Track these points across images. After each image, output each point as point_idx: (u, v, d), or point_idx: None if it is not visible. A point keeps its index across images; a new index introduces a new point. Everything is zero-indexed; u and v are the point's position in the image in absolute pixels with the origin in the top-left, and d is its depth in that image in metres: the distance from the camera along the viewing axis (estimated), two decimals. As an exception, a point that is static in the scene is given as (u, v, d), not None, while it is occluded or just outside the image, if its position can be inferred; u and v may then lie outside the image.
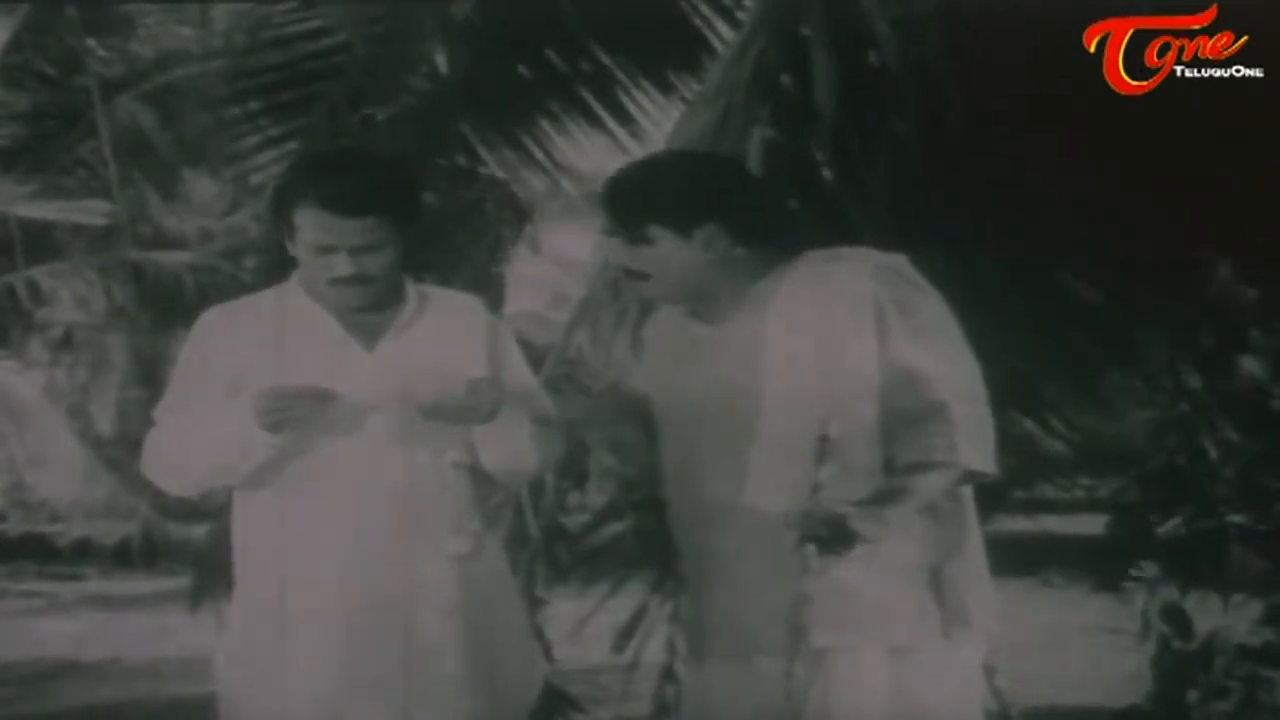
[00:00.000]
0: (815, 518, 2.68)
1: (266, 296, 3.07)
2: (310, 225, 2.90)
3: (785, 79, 4.58)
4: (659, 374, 3.03)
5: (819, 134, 4.43)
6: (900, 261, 2.90)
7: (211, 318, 3.06)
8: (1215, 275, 4.51)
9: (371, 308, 2.97)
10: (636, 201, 2.90)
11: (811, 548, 2.69)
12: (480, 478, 3.01)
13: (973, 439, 2.80)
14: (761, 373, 2.84)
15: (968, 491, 2.91)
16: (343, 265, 2.90)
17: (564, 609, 5.06)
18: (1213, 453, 4.63)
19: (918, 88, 4.35)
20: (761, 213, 2.94)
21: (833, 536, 2.68)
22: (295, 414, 2.84)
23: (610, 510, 5.05)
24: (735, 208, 2.89)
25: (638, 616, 4.91)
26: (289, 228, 2.94)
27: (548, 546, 4.96)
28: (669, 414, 2.98)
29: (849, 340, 2.81)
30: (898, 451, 2.80)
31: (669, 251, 2.87)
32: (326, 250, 2.90)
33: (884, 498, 2.75)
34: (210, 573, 5.54)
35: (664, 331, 3.06)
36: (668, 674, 4.85)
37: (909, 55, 4.36)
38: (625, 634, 4.84)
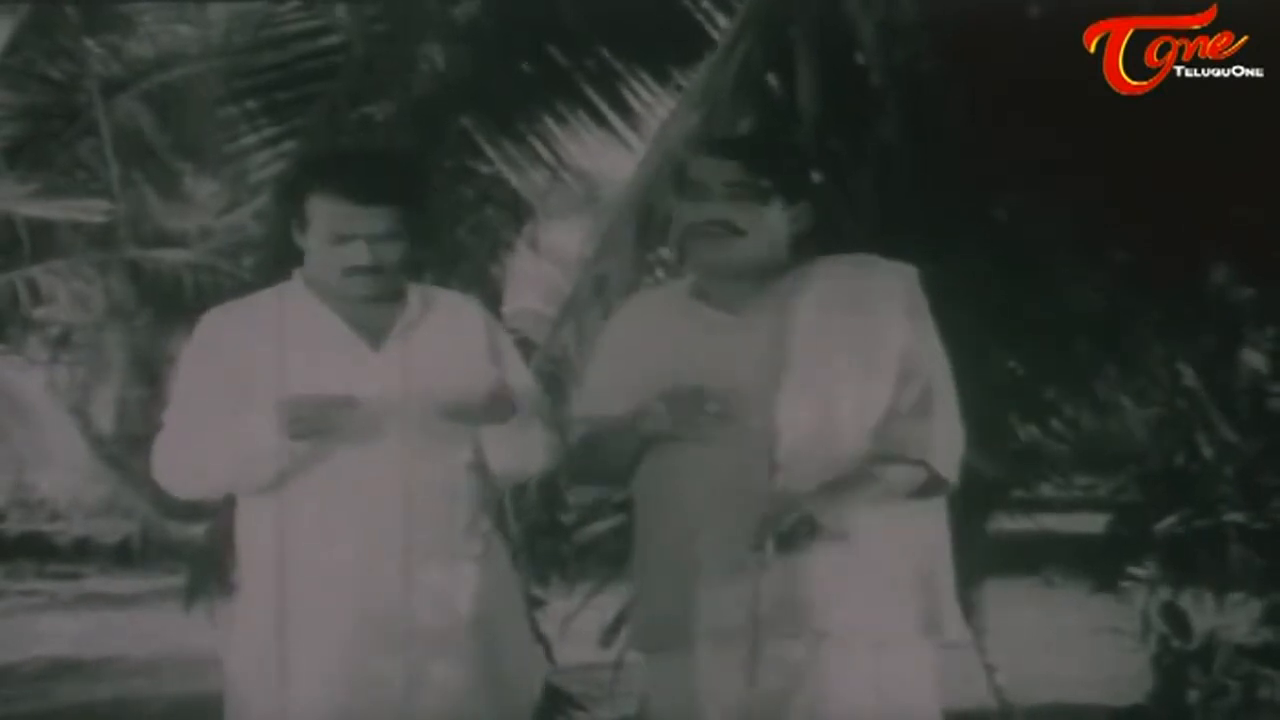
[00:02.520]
0: (777, 508, 2.72)
1: (267, 296, 3.06)
2: (327, 215, 2.91)
3: (771, 80, 4.58)
4: (655, 352, 2.97)
5: (804, 135, 4.42)
6: (915, 272, 2.96)
7: (212, 320, 3.05)
8: (1214, 275, 4.51)
9: (380, 299, 2.97)
10: (781, 156, 2.94)
11: (770, 541, 2.72)
12: (485, 477, 3.02)
13: (948, 445, 2.87)
14: (788, 362, 2.84)
15: (942, 502, 2.94)
16: (360, 254, 2.91)
17: (552, 606, 5.07)
18: (1207, 452, 4.64)
19: (904, 90, 4.35)
20: (826, 208, 2.99)
21: (795, 528, 2.72)
22: (324, 423, 2.84)
23: (595, 508, 5.06)
24: (821, 195, 2.95)
25: (624, 614, 4.90)
26: (300, 220, 2.95)
27: (530, 544, 4.96)
28: (655, 384, 2.92)
29: (880, 340, 2.86)
30: (874, 443, 2.84)
31: (773, 216, 2.88)
32: (343, 240, 2.91)
33: (846, 484, 2.79)
34: (205, 572, 5.53)
35: (664, 311, 3.02)
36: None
37: (895, 57, 4.36)
38: (611, 631, 4.84)
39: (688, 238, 2.92)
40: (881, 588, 2.83)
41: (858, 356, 2.85)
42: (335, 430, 2.86)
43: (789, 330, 2.86)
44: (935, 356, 2.90)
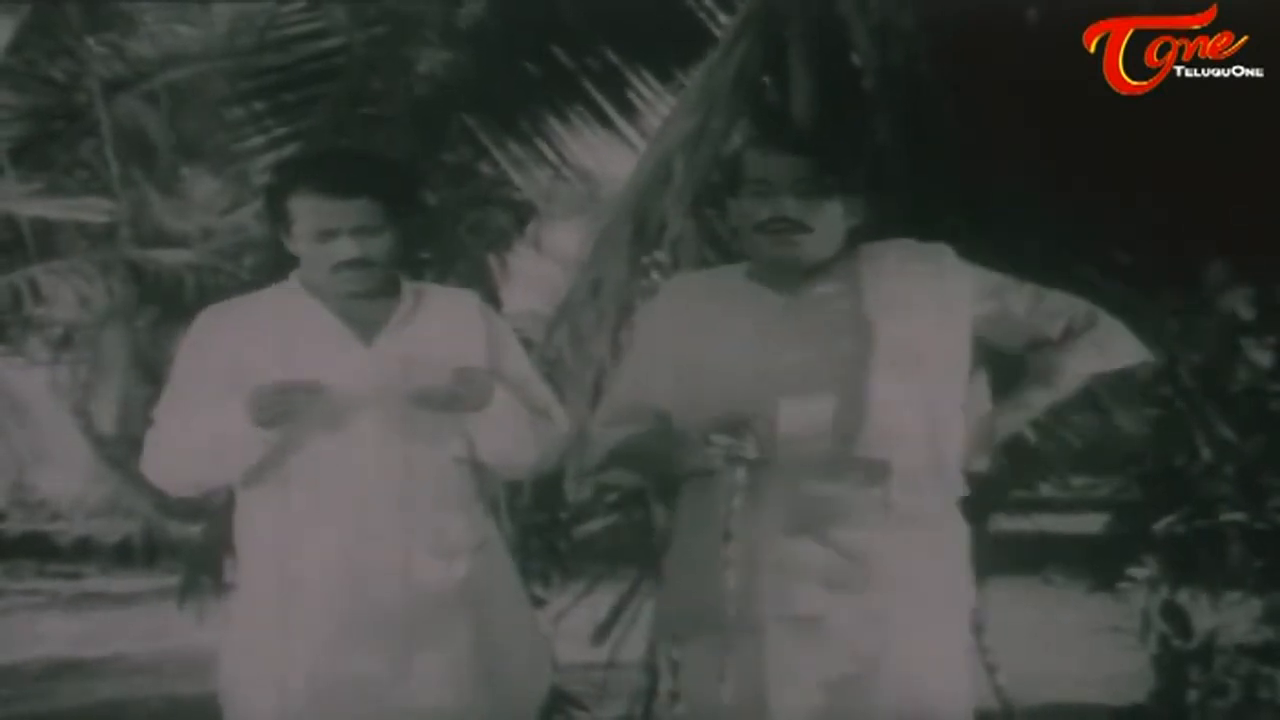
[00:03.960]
0: None
1: (265, 295, 3.09)
2: (308, 212, 2.93)
3: (767, 81, 4.59)
4: (709, 333, 2.96)
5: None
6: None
7: (209, 317, 3.07)
8: (1213, 275, 4.51)
9: (372, 294, 2.98)
10: (845, 152, 2.97)
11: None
12: (481, 471, 3.02)
13: (1116, 339, 3.00)
14: (874, 333, 2.85)
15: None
16: (346, 248, 2.92)
17: (551, 605, 5.06)
18: (1207, 452, 4.64)
19: (901, 90, 4.35)
20: (877, 204, 3.02)
21: None
22: (287, 409, 2.85)
23: (591, 507, 5.06)
24: (871, 187, 2.98)
25: (616, 612, 4.90)
26: (284, 221, 2.97)
27: (525, 542, 4.97)
28: (703, 366, 2.93)
29: (955, 300, 2.91)
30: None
31: (836, 212, 2.90)
32: (327, 235, 2.93)
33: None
34: (200, 570, 5.53)
35: (719, 293, 3.01)
36: (648, 667, 4.84)
37: (891, 59, 4.36)
38: (603, 630, 4.85)
39: (753, 234, 2.90)
40: (939, 568, 2.87)
41: (936, 319, 2.87)
42: (301, 416, 2.87)
43: (865, 304, 2.87)
44: (1032, 289, 2.98)
